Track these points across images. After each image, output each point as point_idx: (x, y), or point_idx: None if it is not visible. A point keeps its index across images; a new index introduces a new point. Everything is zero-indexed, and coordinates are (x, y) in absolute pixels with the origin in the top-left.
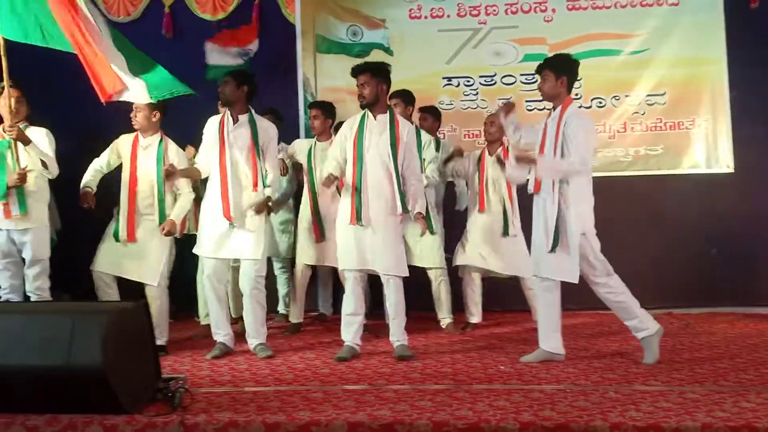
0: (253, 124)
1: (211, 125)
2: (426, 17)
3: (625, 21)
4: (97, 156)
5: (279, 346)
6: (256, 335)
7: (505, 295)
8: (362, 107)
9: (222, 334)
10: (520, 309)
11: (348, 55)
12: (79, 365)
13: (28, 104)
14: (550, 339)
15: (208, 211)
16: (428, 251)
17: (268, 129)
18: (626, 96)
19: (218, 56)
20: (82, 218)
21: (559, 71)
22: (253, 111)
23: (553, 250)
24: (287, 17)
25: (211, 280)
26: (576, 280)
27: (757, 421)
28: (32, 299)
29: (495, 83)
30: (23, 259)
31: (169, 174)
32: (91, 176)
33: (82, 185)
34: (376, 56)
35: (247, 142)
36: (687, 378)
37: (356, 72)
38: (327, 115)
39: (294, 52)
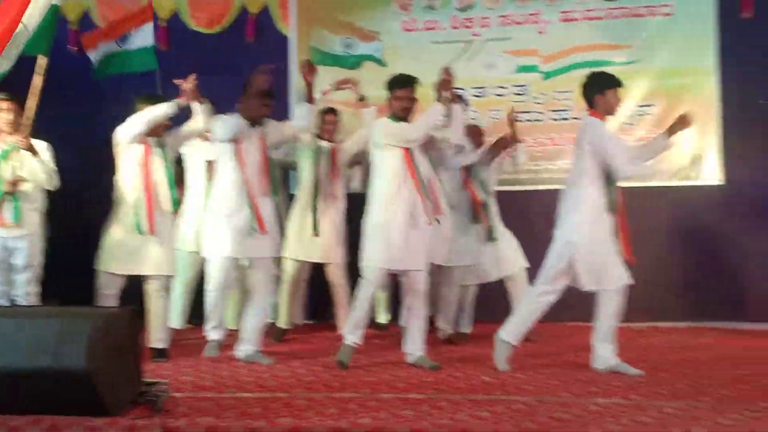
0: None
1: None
2: (420, 29)
3: (618, 32)
4: (93, 166)
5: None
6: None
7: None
8: (399, 119)
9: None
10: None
11: (341, 67)
12: (64, 367)
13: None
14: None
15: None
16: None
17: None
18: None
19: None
20: (72, 225)
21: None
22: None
23: None
24: (281, 30)
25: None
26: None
27: None
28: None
29: (487, 95)
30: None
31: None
32: None
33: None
34: (369, 68)
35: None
36: (667, 393)
37: (406, 83)
38: (340, 119)
39: (288, 65)
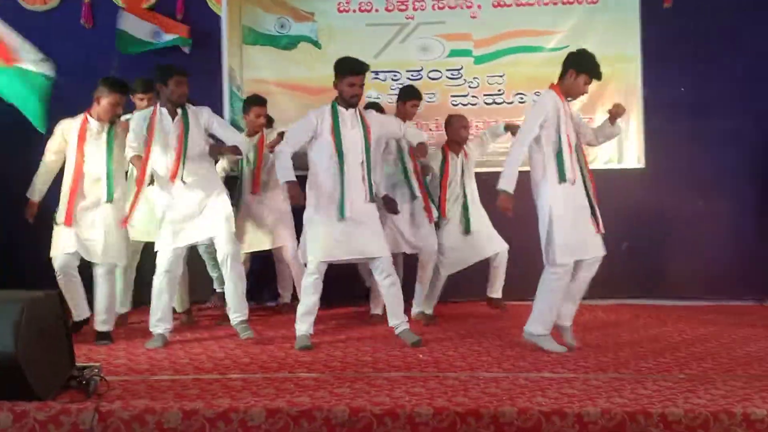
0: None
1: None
2: (354, 11)
3: (547, 18)
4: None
5: (199, 335)
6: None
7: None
8: (352, 106)
9: (166, 327)
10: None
11: (275, 47)
12: None
13: None
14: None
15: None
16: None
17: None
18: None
19: (132, 24)
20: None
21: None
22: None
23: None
24: (213, 8)
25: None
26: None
27: (651, 407)
28: None
29: (421, 78)
30: None
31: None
32: None
33: None
34: (304, 49)
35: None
36: (592, 366)
37: (366, 69)
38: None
39: (219, 44)
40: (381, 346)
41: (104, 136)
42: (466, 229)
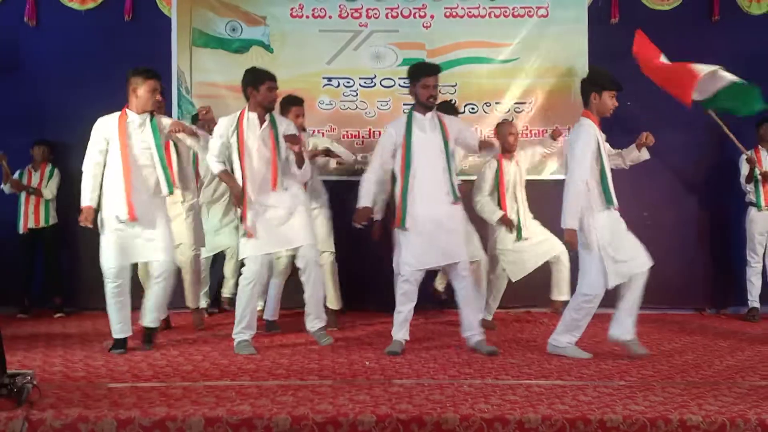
0: (274, 124)
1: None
2: (307, 17)
3: (498, 30)
4: None
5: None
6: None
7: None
8: (429, 108)
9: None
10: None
11: (226, 51)
12: None
13: None
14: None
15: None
16: None
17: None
18: (497, 103)
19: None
20: None
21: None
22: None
23: None
24: (162, 9)
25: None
26: None
27: (590, 413)
28: None
29: (374, 85)
30: None
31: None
32: None
33: None
34: (256, 53)
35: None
36: (535, 372)
37: (437, 70)
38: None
39: (169, 45)
40: (328, 354)
41: (148, 126)
42: (518, 237)
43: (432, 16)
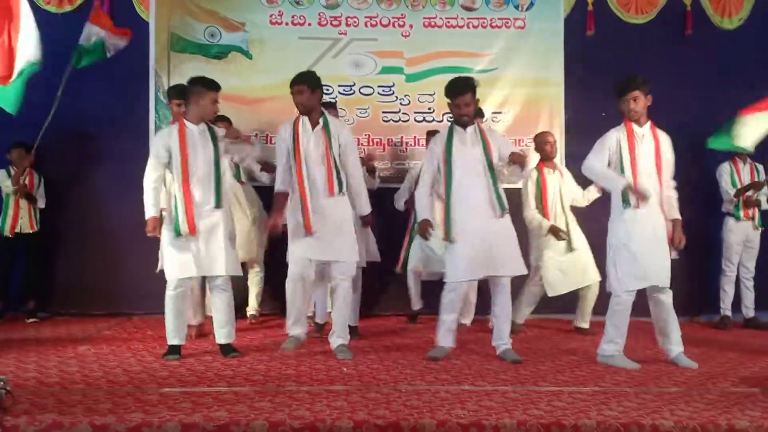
0: (327, 128)
1: (285, 131)
2: (287, 24)
3: (476, 41)
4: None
5: (116, 347)
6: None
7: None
8: (463, 125)
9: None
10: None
11: (205, 56)
12: None
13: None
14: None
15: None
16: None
17: (341, 131)
18: None
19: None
20: None
21: (647, 91)
22: (327, 114)
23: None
24: (140, 13)
25: (302, 279)
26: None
27: (564, 419)
28: None
29: (354, 93)
30: None
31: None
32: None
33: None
34: (234, 59)
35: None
36: (511, 379)
37: (465, 90)
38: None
39: (146, 49)
40: (305, 359)
41: (208, 137)
42: (569, 248)
43: (411, 26)
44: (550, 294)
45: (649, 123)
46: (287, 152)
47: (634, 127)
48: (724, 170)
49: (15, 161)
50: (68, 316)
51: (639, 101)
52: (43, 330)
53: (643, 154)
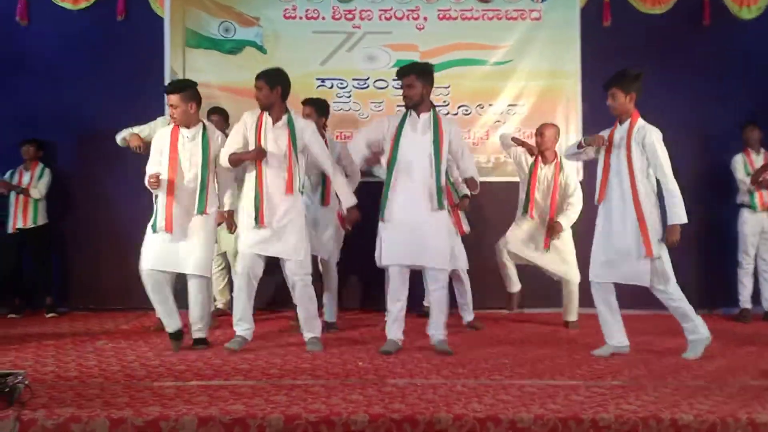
0: (291, 125)
1: (250, 119)
2: (301, 18)
3: (491, 33)
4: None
5: (132, 341)
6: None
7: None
8: (407, 108)
9: (246, 327)
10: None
11: (220, 51)
12: None
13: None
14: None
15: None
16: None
17: (305, 129)
18: (490, 105)
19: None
20: None
21: (628, 89)
22: (291, 112)
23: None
24: (155, 10)
25: (249, 275)
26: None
27: (582, 413)
28: None
29: (368, 87)
30: None
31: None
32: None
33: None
34: (249, 54)
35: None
36: (528, 372)
37: (402, 74)
38: (320, 113)
39: (161, 45)
40: (321, 354)
41: (199, 141)
42: (524, 210)
43: (425, 18)
44: (511, 248)
45: (628, 121)
46: (244, 140)
47: (617, 125)
48: (738, 161)
49: (26, 157)
50: (86, 311)
51: (617, 98)
52: (61, 325)
53: (614, 156)
